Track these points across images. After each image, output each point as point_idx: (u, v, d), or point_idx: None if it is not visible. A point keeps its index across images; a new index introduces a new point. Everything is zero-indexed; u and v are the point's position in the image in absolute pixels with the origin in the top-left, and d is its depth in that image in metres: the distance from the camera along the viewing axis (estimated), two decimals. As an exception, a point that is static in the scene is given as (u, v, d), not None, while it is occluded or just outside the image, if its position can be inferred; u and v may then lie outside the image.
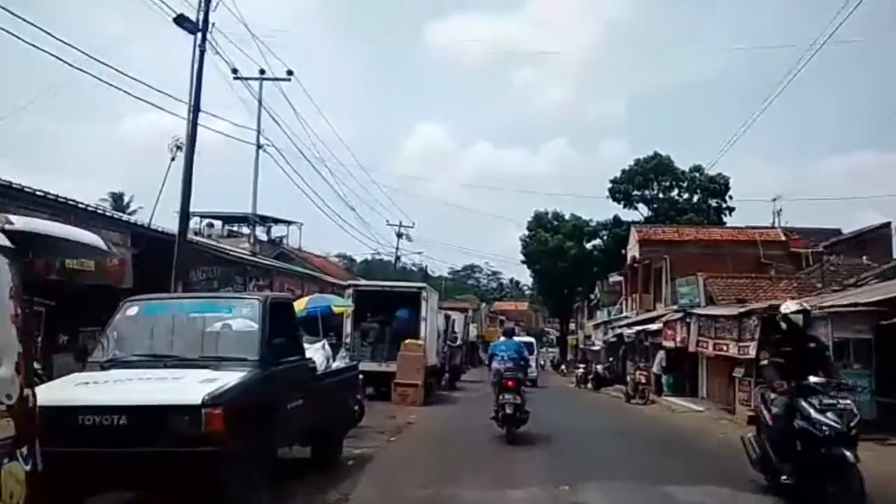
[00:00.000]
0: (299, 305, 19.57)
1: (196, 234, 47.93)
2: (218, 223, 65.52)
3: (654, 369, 26.89)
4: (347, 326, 21.36)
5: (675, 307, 27.99)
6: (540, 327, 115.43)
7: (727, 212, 52.30)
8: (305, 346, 10.51)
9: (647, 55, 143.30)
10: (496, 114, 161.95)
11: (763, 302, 22.62)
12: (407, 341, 20.75)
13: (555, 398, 28.24)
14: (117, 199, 57.20)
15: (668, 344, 24.84)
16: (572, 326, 69.45)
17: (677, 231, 41.59)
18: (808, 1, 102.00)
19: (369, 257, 74.49)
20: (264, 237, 55.65)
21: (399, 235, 51.11)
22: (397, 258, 50.99)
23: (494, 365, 14.30)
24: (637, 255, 40.23)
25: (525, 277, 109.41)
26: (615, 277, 48.78)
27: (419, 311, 21.30)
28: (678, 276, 37.74)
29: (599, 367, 36.09)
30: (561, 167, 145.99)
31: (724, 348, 19.20)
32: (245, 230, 59.20)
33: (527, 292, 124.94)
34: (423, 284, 22.45)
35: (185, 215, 13.96)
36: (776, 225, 41.77)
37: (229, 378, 7.19)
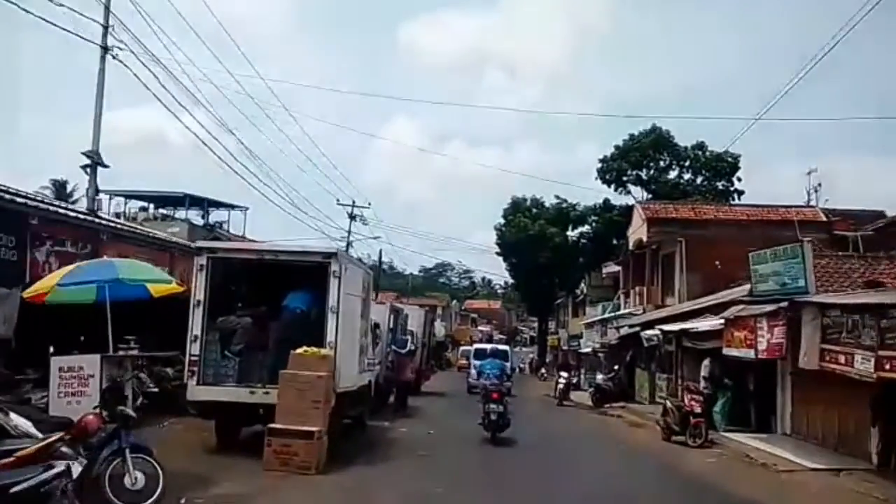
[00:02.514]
0: (48, 282, 9.50)
1: (117, 216, 37.85)
2: (151, 207, 55.47)
3: (702, 384, 17.06)
4: (195, 324, 11.14)
5: (733, 293, 18.44)
6: (514, 326, 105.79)
7: (735, 195, 42.77)
8: None
9: (622, 59, 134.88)
10: (469, 113, 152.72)
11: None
12: (298, 351, 10.66)
13: (535, 433, 18.25)
14: (60, 188, 47.95)
15: (740, 353, 14.92)
16: (552, 326, 59.59)
17: (693, 209, 31.81)
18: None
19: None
20: (199, 221, 46.02)
21: (352, 217, 41.02)
22: (349, 244, 40.71)
23: (482, 381, 16.93)
24: (644, 239, 30.41)
25: (498, 276, 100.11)
26: (610, 268, 38.94)
27: (327, 296, 11.13)
28: (694, 263, 28.61)
29: (600, 378, 26.08)
30: (536, 168, 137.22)
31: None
32: (180, 214, 48.79)
33: (499, 291, 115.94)
34: (334, 249, 11.96)
35: None
36: (811, 203, 32.29)
37: None
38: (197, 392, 11.04)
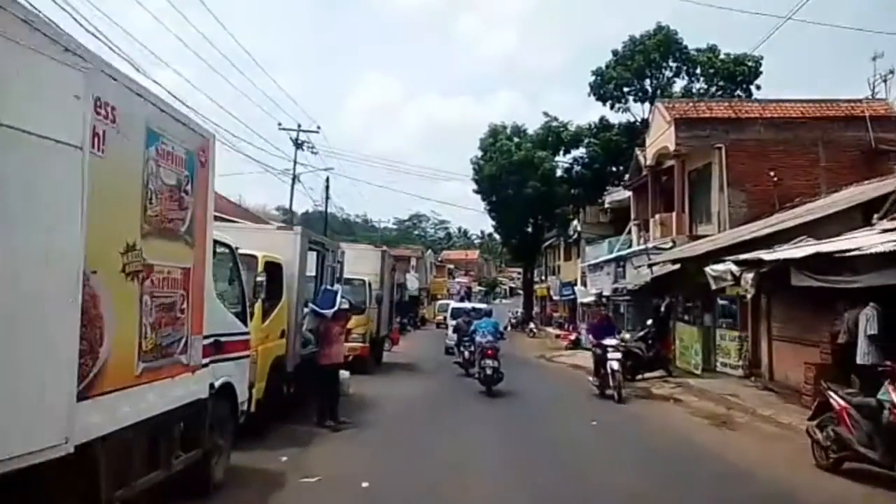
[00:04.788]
0: None
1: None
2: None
3: (862, 352, 9.05)
4: None
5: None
6: (493, 277, 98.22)
7: (757, 105, 34.60)
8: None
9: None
10: (441, 62, 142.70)
11: None
12: None
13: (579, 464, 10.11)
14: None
15: None
16: (537, 275, 51.51)
17: (732, 107, 23.65)
18: None
19: (310, 209, 55.15)
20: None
21: (298, 144, 32.21)
22: (295, 177, 31.98)
23: (477, 339, 15.32)
24: (671, 147, 22.26)
25: (474, 226, 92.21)
26: (615, 195, 30.84)
27: None
28: (737, 177, 21.37)
29: (627, 336, 17.77)
30: (509, 116, 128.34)
31: None
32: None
33: (476, 241, 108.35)
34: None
35: None
36: (876, 94, 24.22)
37: None
38: None
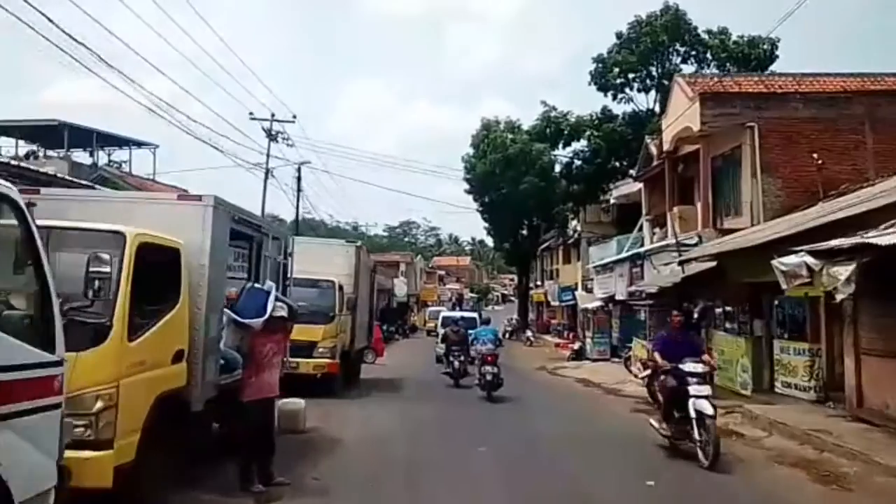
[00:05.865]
0: None
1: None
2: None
3: None
4: None
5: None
6: (485, 283, 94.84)
7: (772, 93, 31.32)
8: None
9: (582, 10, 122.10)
10: (432, 70, 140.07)
11: None
12: None
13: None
14: None
15: None
16: (532, 280, 48.05)
17: (763, 81, 20.37)
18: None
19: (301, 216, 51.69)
20: (87, 159, 33.66)
21: (271, 136, 28.72)
22: (267, 172, 28.43)
23: (478, 346, 15.20)
24: (695, 126, 18.86)
25: (465, 233, 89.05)
26: (625, 188, 27.44)
27: None
28: (772, 162, 17.97)
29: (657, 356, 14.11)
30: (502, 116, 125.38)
31: None
32: (53, 153, 35.99)
33: (467, 247, 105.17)
34: None
35: None
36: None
37: None
38: None
